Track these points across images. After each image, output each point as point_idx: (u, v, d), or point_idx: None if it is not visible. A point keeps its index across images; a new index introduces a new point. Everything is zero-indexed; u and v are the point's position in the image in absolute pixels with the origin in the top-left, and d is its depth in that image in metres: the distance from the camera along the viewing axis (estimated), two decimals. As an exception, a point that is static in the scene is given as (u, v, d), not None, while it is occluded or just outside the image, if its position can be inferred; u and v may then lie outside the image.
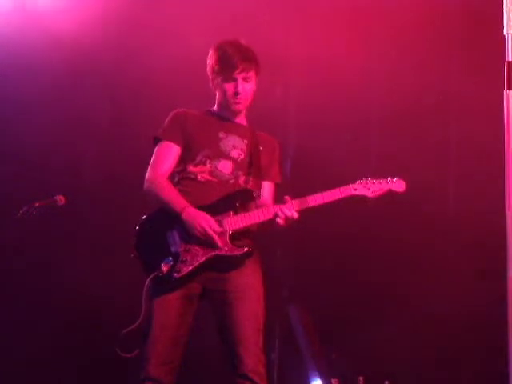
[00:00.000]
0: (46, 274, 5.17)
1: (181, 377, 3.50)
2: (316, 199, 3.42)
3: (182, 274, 3.38)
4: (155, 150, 3.62)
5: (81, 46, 5.31)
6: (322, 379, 5.08)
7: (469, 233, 5.02)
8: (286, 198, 3.45)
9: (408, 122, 5.15)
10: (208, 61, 3.65)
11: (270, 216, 3.42)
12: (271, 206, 3.48)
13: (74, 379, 5.16)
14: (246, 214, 3.45)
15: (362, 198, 3.47)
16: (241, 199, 3.49)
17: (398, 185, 3.50)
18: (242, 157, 3.59)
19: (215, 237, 3.38)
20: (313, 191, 3.44)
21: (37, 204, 3.81)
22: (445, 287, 5.01)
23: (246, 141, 3.62)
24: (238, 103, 3.59)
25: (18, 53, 5.26)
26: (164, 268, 3.38)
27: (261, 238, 3.58)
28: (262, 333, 3.47)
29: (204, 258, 3.40)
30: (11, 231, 4.79)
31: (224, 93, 3.58)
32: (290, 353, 5.32)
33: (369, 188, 3.47)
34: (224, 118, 3.65)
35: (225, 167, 3.55)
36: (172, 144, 3.58)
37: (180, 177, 3.58)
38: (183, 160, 3.58)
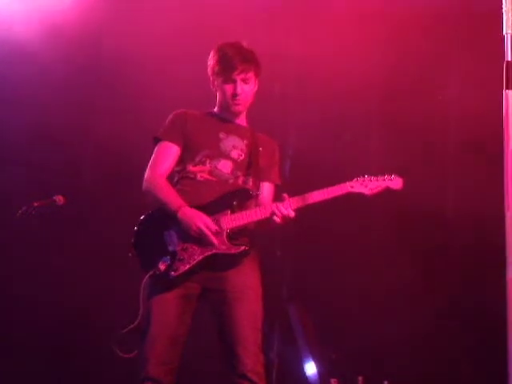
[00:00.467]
0: (44, 274, 5.17)
1: (180, 377, 3.50)
2: (313, 197, 3.42)
3: (179, 272, 3.39)
4: (155, 150, 3.64)
5: (81, 46, 5.32)
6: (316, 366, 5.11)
7: (468, 233, 5.02)
8: (284, 195, 3.45)
9: (407, 121, 5.15)
10: (209, 62, 3.66)
11: (267, 214, 3.42)
12: (268, 205, 3.48)
13: (73, 379, 5.16)
14: (243, 213, 3.46)
15: (360, 196, 3.47)
16: (238, 198, 3.49)
17: (396, 182, 3.50)
18: (241, 157, 3.60)
19: (211, 235, 3.38)
20: (311, 190, 3.44)
21: (36, 204, 3.82)
22: (444, 287, 5.01)
23: (245, 141, 3.63)
24: (237, 104, 3.60)
25: (19, 50, 5.25)
26: (161, 267, 3.39)
27: (260, 237, 3.58)
28: (261, 332, 3.47)
29: (201, 257, 3.40)
30: (10, 231, 4.78)
31: (224, 94, 3.60)
32: (289, 352, 5.32)
33: (366, 185, 3.48)
34: (224, 118, 3.66)
35: (224, 167, 3.56)
36: (171, 144, 3.59)
37: (179, 176, 3.60)
38: (183, 160, 3.60)
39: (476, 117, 4.90)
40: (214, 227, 3.40)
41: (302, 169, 5.29)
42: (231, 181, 3.55)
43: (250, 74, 3.58)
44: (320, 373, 5.14)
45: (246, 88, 3.58)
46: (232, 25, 4.94)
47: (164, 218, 3.45)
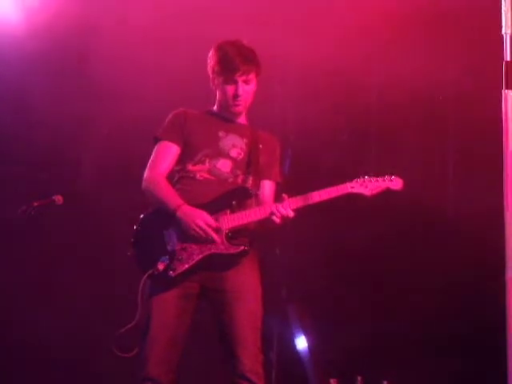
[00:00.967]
0: (43, 274, 5.16)
1: (180, 377, 3.50)
2: (313, 197, 3.42)
3: (178, 272, 3.39)
4: (154, 149, 3.64)
5: (81, 46, 5.31)
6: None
7: (468, 233, 5.01)
8: (284, 196, 3.45)
9: (407, 121, 5.14)
10: (209, 60, 3.65)
11: (266, 214, 3.42)
12: (268, 205, 3.48)
13: (73, 379, 5.15)
14: (243, 213, 3.45)
15: (360, 197, 3.47)
16: (238, 197, 3.49)
17: (396, 183, 3.50)
18: (241, 156, 3.59)
19: (212, 232, 3.38)
20: (311, 190, 3.44)
21: (35, 203, 3.81)
22: (444, 287, 5.01)
23: (245, 140, 3.63)
24: (238, 105, 3.60)
25: (22, 51, 5.24)
26: (160, 266, 3.38)
27: (260, 237, 3.57)
28: (260, 332, 3.48)
29: (200, 257, 3.40)
30: (9, 230, 4.78)
31: (224, 94, 3.59)
32: (289, 352, 5.32)
33: (366, 186, 3.47)
34: (224, 117, 3.66)
35: (224, 166, 3.56)
36: (171, 144, 3.59)
37: (179, 176, 3.59)
38: (182, 159, 3.59)
39: (475, 117, 4.91)
40: (215, 224, 3.40)
41: (302, 169, 5.29)
42: (231, 180, 3.55)
43: (252, 75, 3.57)
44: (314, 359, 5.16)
45: (247, 88, 3.58)
46: (230, 23, 4.94)
47: (163, 217, 3.45)
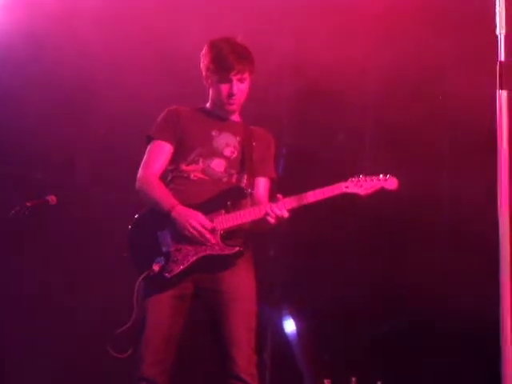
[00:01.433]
0: (37, 274, 5.15)
1: (174, 377, 3.49)
2: (307, 197, 3.40)
3: (173, 273, 3.37)
4: (147, 149, 3.62)
5: (80, 46, 5.29)
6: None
7: (464, 232, 5.02)
8: (278, 196, 3.43)
9: (403, 121, 5.14)
10: (202, 58, 3.63)
11: (261, 215, 3.40)
12: (262, 205, 3.46)
13: (72, 379, 5.14)
14: (238, 213, 3.43)
15: (354, 196, 3.46)
16: (232, 198, 3.48)
17: (390, 182, 3.47)
18: (234, 155, 3.58)
19: (206, 233, 3.37)
20: (306, 190, 3.43)
21: (29, 204, 3.80)
22: (443, 287, 5.01)
23: (238, 138, 3.61)
24: (233, 104, 3.58)
25: (20, 57, 5.23)
26: (155, 268, 3.37)
27: (254, 237, 3.56)
28: (255, 333, 3.47)
29: (195, 258, 3.39)
30: (3, 230, 4.76)
31: (218, 92, 3.57)
32: (283, 352, 5.32)
33: (361, 186, 3.45)
34: (217, 115, 3.64)
35: (218, 166, 3.54)
36: (164, 143, 3.58)
37: (173, 175, 3.58)
38: (176, 159, 3.58)
39: (470, 117, 4.91)
40: (210, 225, 3.39)
41: (296, 168, 5.29)
42: (225, 179, 3.53)
43: (246, 74, 3.56)
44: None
45: (242, 87, 3.56)
46: (228, 21, 4.93)
47: (157, 218, 3.43)
